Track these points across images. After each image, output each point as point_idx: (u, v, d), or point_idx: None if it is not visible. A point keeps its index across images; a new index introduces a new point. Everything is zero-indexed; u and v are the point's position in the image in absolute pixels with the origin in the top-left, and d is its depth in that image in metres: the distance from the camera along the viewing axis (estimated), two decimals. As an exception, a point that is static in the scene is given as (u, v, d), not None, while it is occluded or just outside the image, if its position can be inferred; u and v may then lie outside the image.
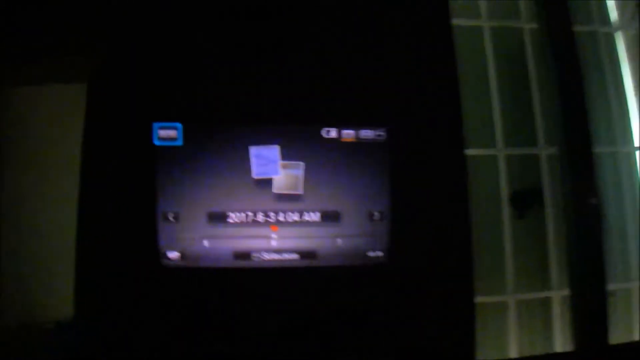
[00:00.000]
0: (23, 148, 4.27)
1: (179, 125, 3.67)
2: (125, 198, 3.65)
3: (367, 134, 3.70)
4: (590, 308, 4.18)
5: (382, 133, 3.66)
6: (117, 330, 3.54)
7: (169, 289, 3.56)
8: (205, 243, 3.52)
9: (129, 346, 3.53)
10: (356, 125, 3.73)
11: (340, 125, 3.72)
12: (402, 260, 3.61)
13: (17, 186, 4.26)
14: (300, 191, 3.57)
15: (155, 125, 3.65)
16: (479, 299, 4.03)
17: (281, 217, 3.54)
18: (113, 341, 3.52)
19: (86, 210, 3.63)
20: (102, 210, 3.62)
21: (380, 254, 3.57)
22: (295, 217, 3.55)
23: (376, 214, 3.61)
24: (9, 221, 4.26)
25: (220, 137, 3.66)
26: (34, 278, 4.30)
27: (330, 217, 3.56)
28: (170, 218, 3.57)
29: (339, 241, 3.58)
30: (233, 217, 3.52)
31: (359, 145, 3.74)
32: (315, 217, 3.52)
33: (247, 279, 3.52)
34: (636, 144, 4.67)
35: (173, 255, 3.51)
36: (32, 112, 4.31)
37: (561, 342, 4.34)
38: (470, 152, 4.20)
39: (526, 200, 4.28)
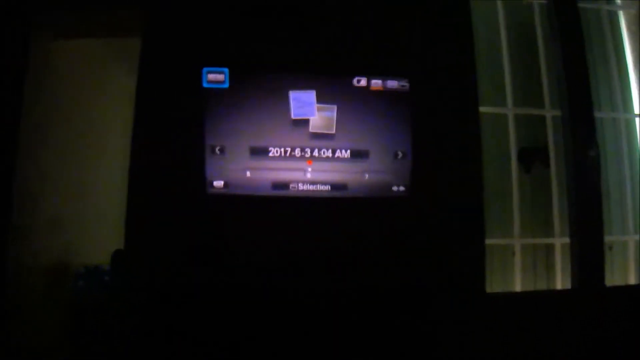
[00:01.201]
0: (74, 97, 4.66)
1: (225, 70, 4.06)
2: (176, 134, 4.03)
3: (392, 84, 4.15)
4: (588, 255, 4.50)
5: (405, 84, 4.11)
6: (164, 259, 3.93)
7: (214, 215, 3.90)
8: (248, 174, 3.89)
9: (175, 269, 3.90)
10: (383, 75, 4.15)
11: (369, 75, 4.16)
12: (421, 196, 3.99)
13: (66, 130, 4.62)
14: (333, 131, 3.95)
15: (205, 70, 4.02)
16: (488, 241, 4.32)
17: (316, 153, 3.94)
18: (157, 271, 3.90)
19: (139, 148, 4.03)
20: (155, 147, 4.02)
21: (402, 188, 3.99)
22: (329, 153, 3.94)
23: (400, 153, 4.02)
24: (53, 164, 4.66)
25: (262, 82, 4.04)
26: (70, 222, 4.65)
27: (359, 154, 3.97)
28: (217, 151, 3.91)
29: (367, 176, 4.00)
30: (273, 151, 3.91)
31: (386, 93, 4.16)
32: (346, 154, 3.94)
33: (284, 207, 3.88)
34: (636, 111, 5.10)
35: (218, 184, 3.86)
36: (84, 63, 4.72)
37: (561, 284, 4.65)
38: (483, 109, 4.58)
39: (532, 157, 4.71)
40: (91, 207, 4.74)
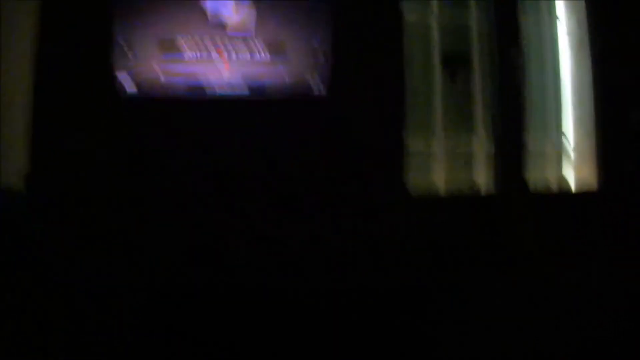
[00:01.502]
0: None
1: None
2: (83, 31, 3.76)
3: None
4: (511, 158, 4.46)
5: None
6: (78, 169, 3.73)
7: (129, 121, 3.72)
8: (162, 77, 3.67)
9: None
10: None
11: None
12: (342, 97, 3.86)
13: None
14: (251, 31, 3.74)
15: None
16: (410, 145, 4.26)
17: (233, 56, 3.73)
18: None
19: (46, 56, 3.87)
20: (62, 53, 3.85)
21: (322, 90, 3.83)
22: (247, 56, 3.75)
23: (320, 56, 3.85)
24: None
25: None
26: None
27: (277, 56, 3.80)
28: (130, 56, 3.76)
29: (286, 78, 3.80)
30: (187, 52, 3.71)
31: (305, -4, 3.83)
32: (264, 56, 3.76)
33: (200, 110, 3.72)
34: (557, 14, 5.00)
35: (131, 88, 3.66)
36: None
37: (485, 186, 4.64)
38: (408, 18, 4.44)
39: (456, 63, 4.62)
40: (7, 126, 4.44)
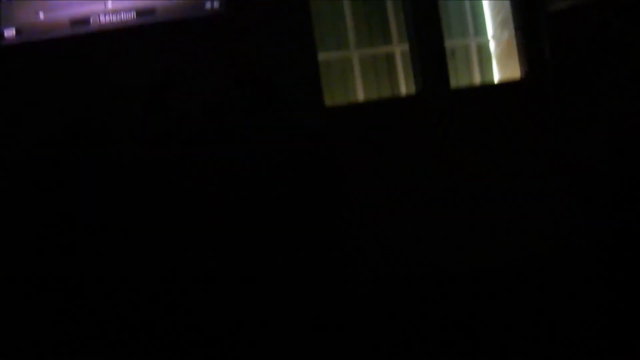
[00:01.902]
0: None
1: None
2: None
3: None
4: (430, 58, 4.25)
5: None
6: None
7: (11, 70, 3.41)
8: (41, 15, 3.38)
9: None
10: None
11: None
12: (239, 11, 3.60)
13: None
14: None
15: None
16: (322, 55, 4.00)
17: (115, -20, 3.43)
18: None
19: None
20: None
21: (216, 5, 3.56)
22: (129, -23, 3.44)
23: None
24: None
25: None
26: None
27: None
28: None
29: None
30: (68, -14, 3.38)
31: None
32: (149, -25, 3.45)
33: (87, 46, 3.43)
34: None
35: (9, 32, 3.37)
36: None
37: (405, 92, 4.40)
38: None
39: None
40: None
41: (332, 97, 4.17)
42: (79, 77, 3.49)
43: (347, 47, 4.47)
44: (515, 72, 4.62)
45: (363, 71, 4.44)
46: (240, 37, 3.74)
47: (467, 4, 4.86)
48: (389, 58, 4.54)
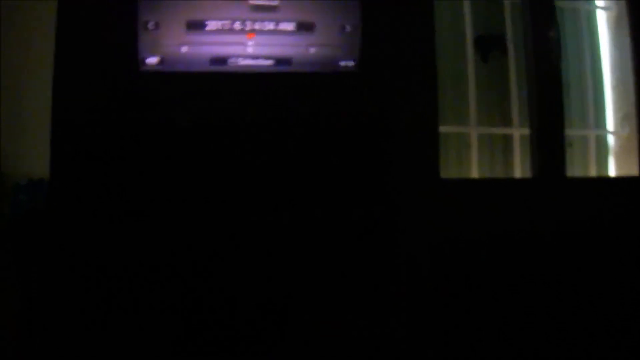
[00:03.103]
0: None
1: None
2: (107, 13, 3.64)
3: None
4: (549, 145, 4.23)
5: None
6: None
7: (148, 95, 3.55)
8: (184, 49, 3.53)
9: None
10: None
11: None
12: (371, 72, 3.68)
13: None
14: (276, 2, 3.59)
15: None
16: (442, 128, 4.03)
17: (257, 26, 3.60)
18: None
19: (66, 30, 3.71)
20: (83, 28, 3.70)
21: (351, 63, 3.66)
22: (271, 25, 3.59)
23: (348, 27, 3.67)
24: None
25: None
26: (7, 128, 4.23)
27: (304, 26, 3.64)
28: (150, 26, 3.52)
29: (312, 50, 3.66)
30: (210, 24, 3.56)
31: (332, -37, 3.68)
32: (290, 26, 3.62)
33: (223, 83, 3.55)
34: (597, 3, 4.77)
35: (151, 60, 3.51)
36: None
37: (520, 176, 4.39)
38: None
39: (489, 44, 4.43)
40: (32, 111, 4.29)
41: (447, 171, 4.09)
42: (212, 110, 3.53)
43: (467, 125, 4.29)
44: (632, 169, 4.46)
45: (480, 149, 4.29)
46: (370, 97, 3.78)
47: (590, 95, 4.73)
48: (507, 139, 4.40)
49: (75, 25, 3.69)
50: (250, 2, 3.67)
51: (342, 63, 3.73)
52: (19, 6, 4.13)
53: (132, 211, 3.46)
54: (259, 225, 3.49)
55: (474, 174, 4.36)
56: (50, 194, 3.51)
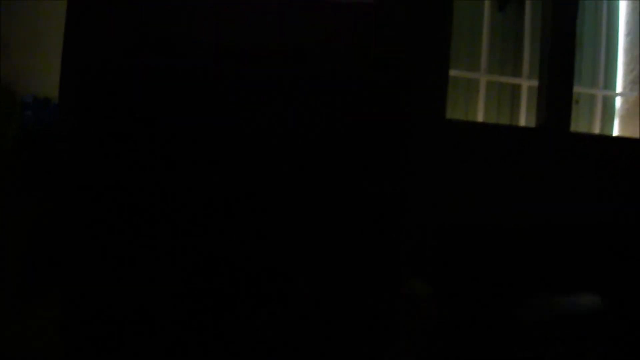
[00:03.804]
0: None
1: None
2: None
3: None
4: (555, 98, 4.23)
5: None
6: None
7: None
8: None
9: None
10: None
11: None
12: (388, 3, 3.65)
13: None
14: None
15: None
16: (452, 72, 4.04)
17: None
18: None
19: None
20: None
21: None
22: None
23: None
24: None
25: None
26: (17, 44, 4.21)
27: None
28: None
29: None
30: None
31: None
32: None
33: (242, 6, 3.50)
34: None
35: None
36: None
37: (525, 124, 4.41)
38: None
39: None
40: (45, 28, 4.28)
41: (453, 113, 4.12)
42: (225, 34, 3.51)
43: (477, 71, 4.31)
44: (636, 132, 4.48)
45: (487, 96, 4.34)
46: (381, 30, 3.76)
47: (602, 55, 4.74)
48: (515, 89, 4.42)
49: None
50: None
51: (355, -7, 3.67)
52: None
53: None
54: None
55: (480, 119, 4.29)
56: (61, 117, 3.45)
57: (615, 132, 4.70)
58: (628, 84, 4.68)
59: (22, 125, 4.26)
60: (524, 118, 4.50)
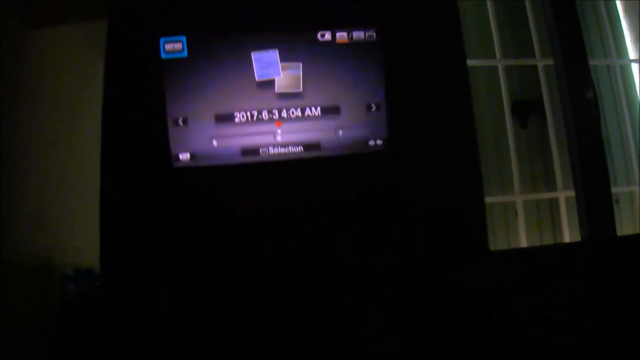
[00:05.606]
0: (49, 87, 4.45)
1: (182, 38, 3.80)
2: (140, 111, 3.76)
3: (359, 35, 3.81)
4: (596, 205, 4.11)
5: (372, 34, 3.77)
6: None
7: (183, 190, 3.62)
8: (215, 142, 3.60)
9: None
10: (348, 27, 3.80)
11: (333, 28, 3.81)
12: (403, 149, 3.67)
13: (40, 124, 4.40)
14: (300, 89, 3.66)
15: (162, 40, 3.78)
16: (487, 199, 3.98)
17: (284, 114, 3.66)
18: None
19: (109, 133, 3.84)
20: (123, 129, 3.83)
21: (380, 142, 3.66)
22: (298, 112, 3.67)
23: (373, 106, 3.70)
24: (34, 157, 4.33)
25: (222, 46, 3.81)
26: (56, 218, 4.38)
27: (330, 110, 3.69)
28: (180, 122, 3.61)
29: (340, 132, 3.67)
30: (239, 116, 3.64)
31: (352, 45, 3.85)
32: (316, 111, 3.66)
33: (256, 174, 3.60)
34: (631, 56, 4.76)
35: (184, 156, 3.59)
36: (56, 52, 4.51)
37: (569, 239, 4.29)
38: (470, 62, 4.22)
39: (527, 110, 4.39)
40: (77, 202, 4.45)
41: (495, 245, 4.00)
42: (247, 202, 3.56)
43: (511, 193, 4.25)
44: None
45: (526, 216, 4.25)
46: (401, 172, 3.74)
47: (632, 149, 4.65)
48: (553, 204, 4.31)
49: (118, 126, 3.84)
50: (276, 91, 3.68)
51: (371, 142, 3.70)
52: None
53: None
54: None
55: (522, 242, 4.16)
56: (102, 282, 3.56)
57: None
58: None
59: (63, 298, 4.31)
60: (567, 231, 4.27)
